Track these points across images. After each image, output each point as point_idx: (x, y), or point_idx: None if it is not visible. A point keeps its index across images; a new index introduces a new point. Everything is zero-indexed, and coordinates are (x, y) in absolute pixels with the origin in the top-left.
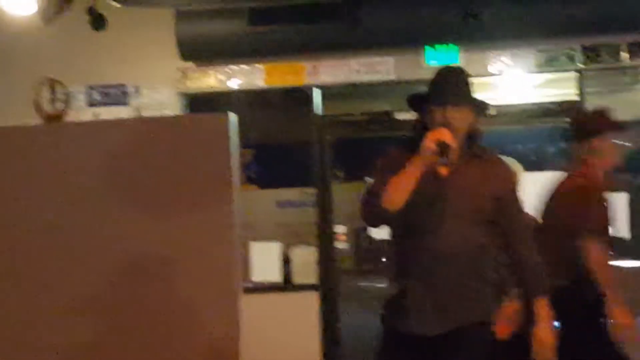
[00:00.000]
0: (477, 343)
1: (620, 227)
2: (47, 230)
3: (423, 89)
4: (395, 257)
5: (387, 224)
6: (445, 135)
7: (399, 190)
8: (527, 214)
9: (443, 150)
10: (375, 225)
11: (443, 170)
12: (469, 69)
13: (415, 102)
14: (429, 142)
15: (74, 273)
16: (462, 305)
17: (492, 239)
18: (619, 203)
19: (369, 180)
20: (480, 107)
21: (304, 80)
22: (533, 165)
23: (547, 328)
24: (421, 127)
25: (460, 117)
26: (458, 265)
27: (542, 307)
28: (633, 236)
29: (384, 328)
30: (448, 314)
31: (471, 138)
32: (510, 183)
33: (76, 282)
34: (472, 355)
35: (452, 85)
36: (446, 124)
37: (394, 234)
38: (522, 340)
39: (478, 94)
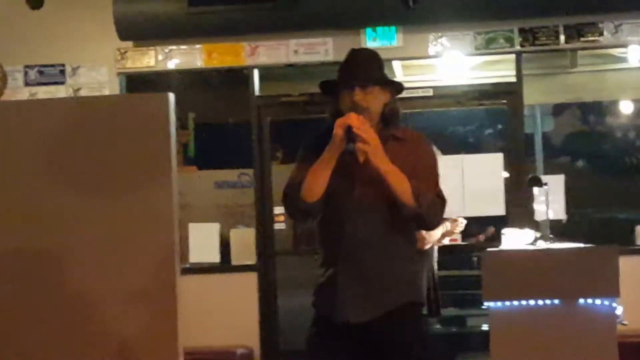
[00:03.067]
0: (408, 325)
1: (558, 209)
2: None
3: None
4: (321, 244)
5: (310, 216)
6: (352, 120)
7: (316, 182)
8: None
9: (350, 136)
10: (299, 219)
11: (360, 156)
12: (408, 51)
13: (327, 88)
14: (337, 128)
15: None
16: (390, 288)
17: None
18: (556, 185)
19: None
20: (393, 87)
21: (242, 60)
22: (471, 147)
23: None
24: (336, 113)
25: (370, 99)
26: (380, 249)
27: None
28: (569, 218)
29: (316, 314)
30: (377, 299)
31: (387, 119)
32: (427, 160)
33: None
34: (405, 337)
35: (359, 67)
36: (355, 107)
37: (318, 222)
38: None
39: (417, 76)
